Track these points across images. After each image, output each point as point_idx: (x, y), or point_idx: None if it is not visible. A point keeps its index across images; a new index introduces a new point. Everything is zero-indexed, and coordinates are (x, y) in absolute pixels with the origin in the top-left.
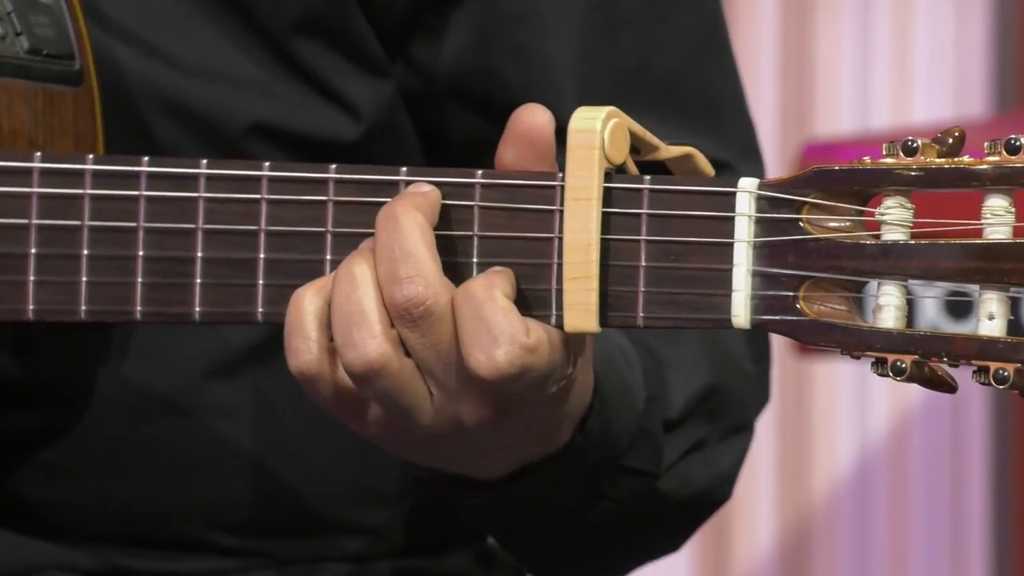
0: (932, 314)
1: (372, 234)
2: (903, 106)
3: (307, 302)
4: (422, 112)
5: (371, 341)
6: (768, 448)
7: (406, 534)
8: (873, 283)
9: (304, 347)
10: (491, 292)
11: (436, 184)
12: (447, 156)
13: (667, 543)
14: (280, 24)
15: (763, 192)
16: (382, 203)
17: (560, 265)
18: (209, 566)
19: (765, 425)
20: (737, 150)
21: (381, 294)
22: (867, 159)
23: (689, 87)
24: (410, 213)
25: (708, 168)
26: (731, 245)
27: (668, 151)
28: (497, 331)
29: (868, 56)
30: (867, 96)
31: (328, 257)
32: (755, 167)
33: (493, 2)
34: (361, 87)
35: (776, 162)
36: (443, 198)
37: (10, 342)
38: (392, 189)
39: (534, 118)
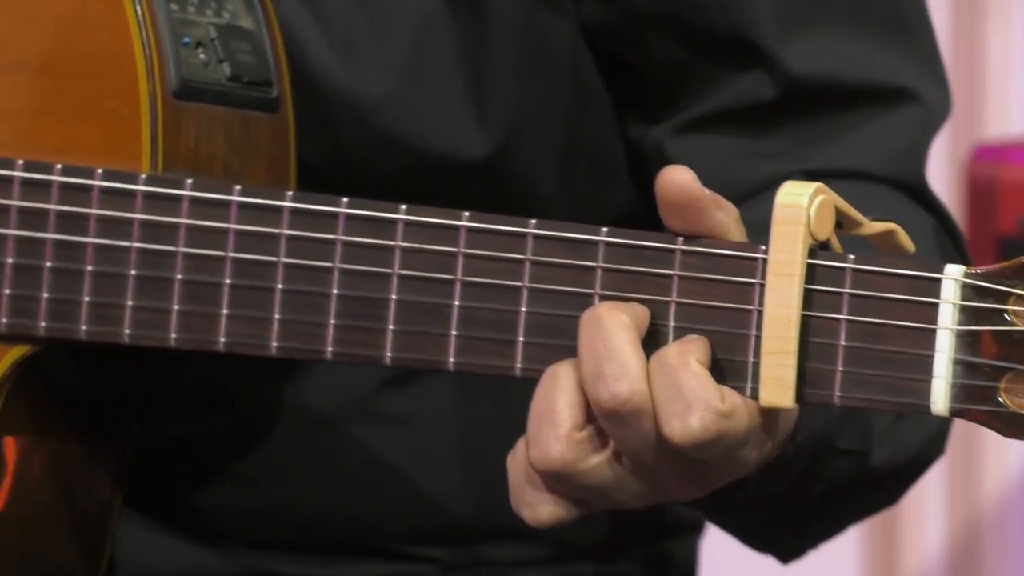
0: None
1: (567, 292)
2: None
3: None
4: (615, 49)
5: (554, 442)
6: None
7: (581, 538)
8: None
9: (536, 500)
10: (685, 359)
11: (637, 247)
12: (645, 102)
13: (883, 502)
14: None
15: (969, 280)
16: (579, 265)
17: (758, 338)
18: (379, 571)
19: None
20: (926, 72)
21: (578, 395)
22: None
23: (881, 5)
24: (614, 312)
25: (909, 245)
26: (933, 331)
27: (871, 227)
28: (691, 397)
29: None
30: None
31: (523, 309)
32: (942, 93)
33: None
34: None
35: (945, 164)
36: (643, 263)
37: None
38: (591, 249)
39: (675, 181)
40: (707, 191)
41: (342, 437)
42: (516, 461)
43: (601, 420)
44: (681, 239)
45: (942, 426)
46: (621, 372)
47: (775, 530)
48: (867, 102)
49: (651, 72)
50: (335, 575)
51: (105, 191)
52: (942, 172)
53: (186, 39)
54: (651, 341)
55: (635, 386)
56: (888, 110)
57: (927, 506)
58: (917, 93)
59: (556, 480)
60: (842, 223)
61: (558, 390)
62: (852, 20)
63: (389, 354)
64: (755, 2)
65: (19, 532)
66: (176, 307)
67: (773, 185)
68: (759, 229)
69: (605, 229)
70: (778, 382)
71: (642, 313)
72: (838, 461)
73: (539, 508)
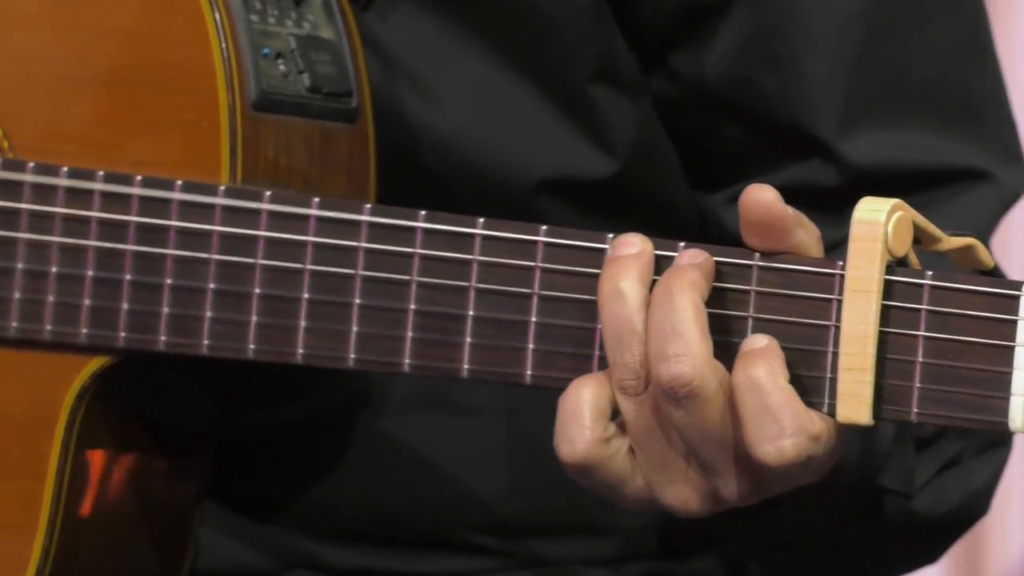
0: None
1: None
2: None
3: (586, 392)
4: (678, 123)
5: (580, 437)
6: (1021, 460)
7: (656, 537)
8: None
9: (579, 437)
10: (776, 380)
11: (715, 263)
12: (706, 171)
13: (924, 556)
14: (550, 56)
15: None
16: (656, 279)
17: (835, 354)
18: (460, 566)
19: (1019, 436)
20: (1000, 154)
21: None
22: None
23: (950, 92)
24: (685, 292)
25: (988, 260)
26: (1012, 348)
27: (950, 242)
28: (785, 421)
29: None
30: None
31: (600, 326)
32: (1018, 172)
33: (757, 13)
34: (619, 112)
35: None
36: (720, 279)
37: None
38: (668, 264)
39: (761, 200)
40: (790, 209)
41: (418, 427)
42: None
43: (660, 400)
44: (758, 255)
45: (987, 483)
46: (684, 353)
47: (811, 570)
48: (934, 185)
49: (713, 146)
50: (417, 570)
51: (184, 203)
52: None
53: (266, 50)
54: (728, 356)
55: (696, 370)
56: (957, 192)
57: (1010, 516)
58: (989, 173)
59: (581, 476)
60: (920, 239)
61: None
62: (920, 109)
63: (466, 367)
64: (819, 95)
65: (102, 535)
66: (254, 319)
67: None
68: (840, 249)
69: (683, 244)
70: (855, 399)
71: (709, 270)
72: (881, 500)
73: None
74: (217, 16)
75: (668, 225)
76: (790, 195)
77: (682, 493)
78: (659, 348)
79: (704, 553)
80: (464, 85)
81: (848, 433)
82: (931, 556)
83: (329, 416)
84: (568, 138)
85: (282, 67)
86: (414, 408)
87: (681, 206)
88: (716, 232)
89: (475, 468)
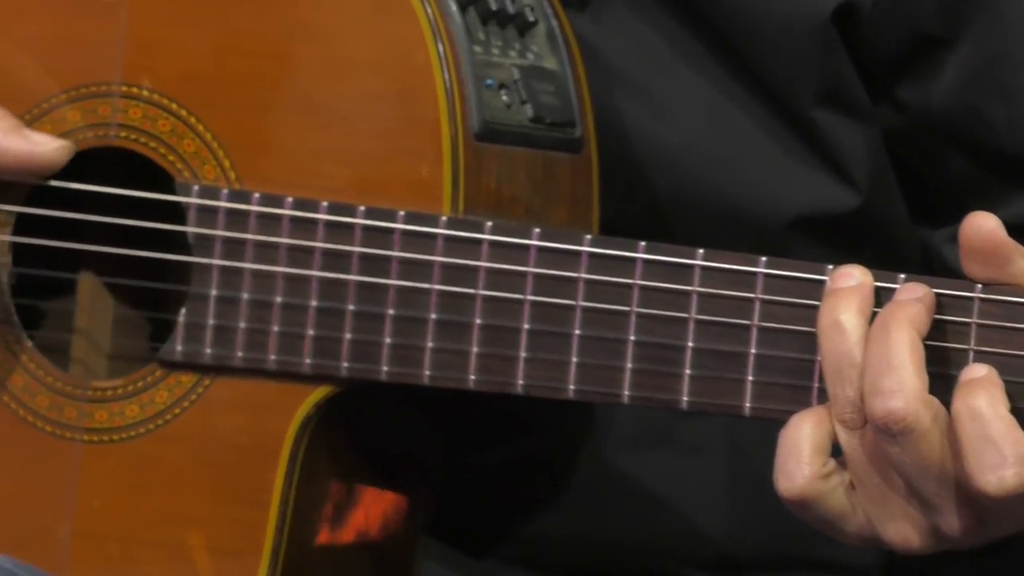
0: None
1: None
2: None
3: (806, 427)
4: (902, 154)
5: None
6: None
7: (883, 573)
8: None
9: (797, 471)
10: (997, 409)
11: (936, 295)
12: (928, 204)
13: None
14: (780, 78)
15: None
16: (875, 311)
17: None
18: None
19: None
20: None
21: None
22: None
23: None
24: (903, 327)
25: None
26: None
27: None
28: (1007, 450)
29: None
30: None
31: (819, 358)
32: None
33: (984, 44)
34: (851, 140)
35: None
36: (941, 311)
37: None
38: (887, 296)
39: (982, 228)
40: (1011, 239)
41: (641, 463)
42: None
43: (875, 435)
44: (980, 287)
45: None
46: (898, 388)
47: None
48: None
49: (937, 180)
50: None
51: (407, 233)
52: None
53: (489, 81)
54: (947, 390)
55: (910, 405)
56: None
57: None
58: None
59: (801, 510)
60: None
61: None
62: None
63: (685, 398)
64: None
65: (325, 564)
66: (475, 349)
67: None
68: None
69: (903, 276)
70: None
71: (930, 305)
72: None
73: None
74: (440, 47)
75: (899, 257)
76: (1014, 231)
77: (902, 530)
78: (873, 382)
79: None
80: (692, 98)
81: None
82: None
83: (551, 452)
84: (811, 171)
85: (505, 97)
86: (637, 444)
87: (909, 238)
88: (939, 267)
89: (698, 504)
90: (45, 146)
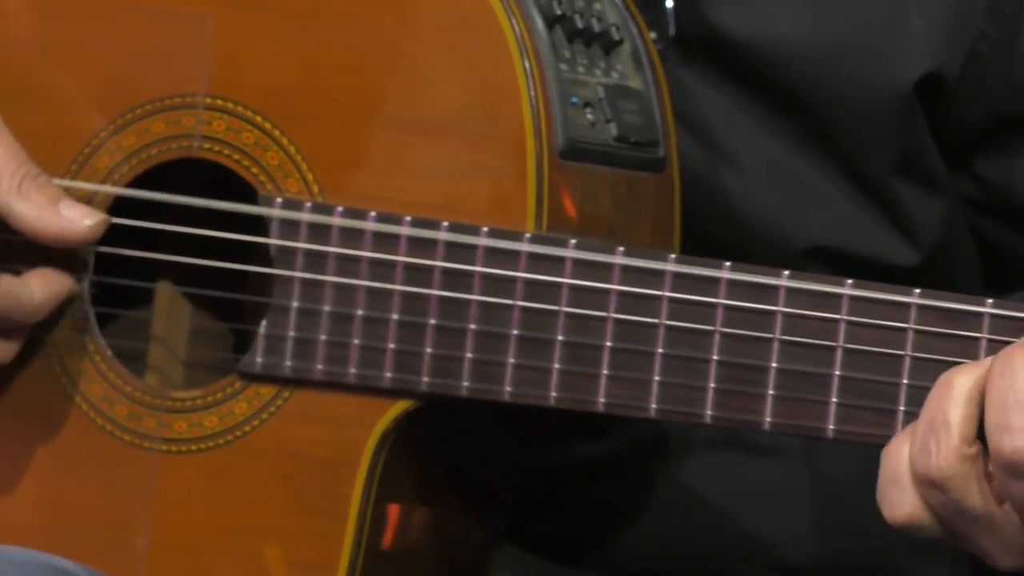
0: None
1: (953, 363)
2: None
3: (905, 453)
4: (981, 224)
5: (943, 451)
6: None
7: None
8: None
9: (899, 500)
10: None
11: (1022, 320)
12: (1004, 275)
13: None
14: (853, 141)
15: None
16: (965, 336)
17: None
18: None
19: None
20: None
21: (971, 408)
22: None
23: None
24: None
25: None
26: None
27: None
28: None
29: None
30: None
31: (904, 382)
32: None
33: None
34: (922, 206)
35: None
36: None
37: None
38: (975, 319)
39: None
40: None
41: (714, 466)
42: (890, 456)
43: (998, 470)
44: None
45: None
46: None
47: None
48: None
49: (1012, 251)
50: None
51: (490, 249)
52: None
53: (574, 99)
54: None
55: None
56: None
57: None
58: None
59: (931, 488)
60: None
61: (951, 400)
62: None
63: (768, 419)
64: None
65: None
66: (557, 366)
67: None
68: None
69: (990, 301)
70: None
71: None
72: None
73: (898, 508)
74: (527, 64)
75: None
76: None
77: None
78: (1000, 419)
79: None
80: (754, 149)
81: None
82: None
83: (625, 456)
84: (876, 227)
85: (590, 116)
86: (711, 447)
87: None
88: None
89: (771, 508)
90: (76, 224)
